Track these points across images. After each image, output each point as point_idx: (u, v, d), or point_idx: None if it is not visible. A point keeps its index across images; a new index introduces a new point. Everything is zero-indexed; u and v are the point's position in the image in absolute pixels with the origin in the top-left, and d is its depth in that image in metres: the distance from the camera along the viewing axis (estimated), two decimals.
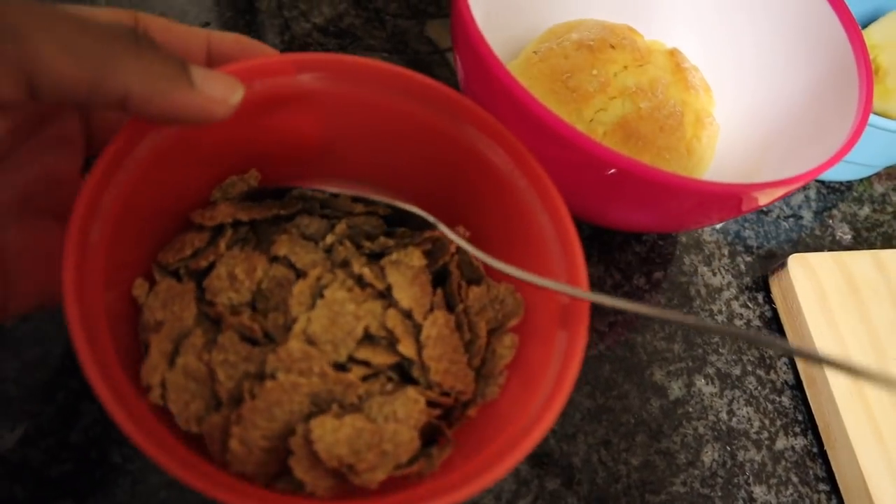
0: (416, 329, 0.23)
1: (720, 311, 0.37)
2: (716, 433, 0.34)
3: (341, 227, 0.26)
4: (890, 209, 0.44)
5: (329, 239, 0.25)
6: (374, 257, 0.26)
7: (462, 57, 0.31)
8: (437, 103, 0.25)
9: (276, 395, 0.20)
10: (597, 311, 0.35)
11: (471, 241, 0.27)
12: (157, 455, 0.16)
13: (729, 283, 0.38)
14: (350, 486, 0.20)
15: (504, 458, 0.19)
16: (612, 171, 0.27)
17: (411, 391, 0.21)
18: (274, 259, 0.24)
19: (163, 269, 0.23)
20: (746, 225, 0.41)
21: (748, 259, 0.40)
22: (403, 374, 0.23)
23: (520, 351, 0.24)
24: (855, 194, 0.44)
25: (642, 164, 0.27)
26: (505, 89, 0.27)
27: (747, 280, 0.39)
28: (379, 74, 0.25)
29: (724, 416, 0.34)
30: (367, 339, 0.22)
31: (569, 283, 0.22)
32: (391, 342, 0.22)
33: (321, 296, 0.22)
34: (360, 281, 0.24)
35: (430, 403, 0.22)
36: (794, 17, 0.36)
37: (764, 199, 0.30)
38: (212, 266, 0.23)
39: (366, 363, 0.22)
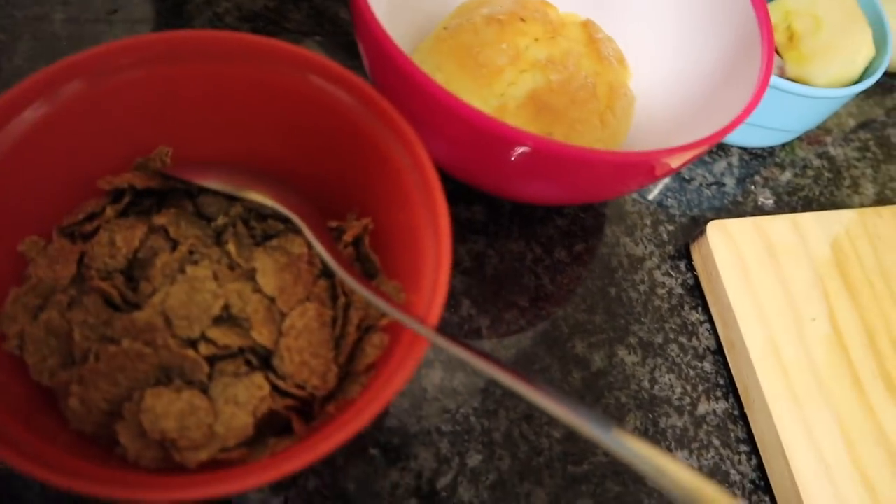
0: (281, 317, 0.23)
1: (642, 281, 0.38)
2: (638, 402, 0.34)
3: (237, 208, 0.26)
4: (811, 173, 0.45)
5: (221, 220, 0.26)
6: (266, 240, 0.25)
7: (363, 44, 0.31)
8: (307, 69, 0.25)
9: (119, 361, 0.20)
10: (519, 287, 0.35)
11: (370, 230, 0.27)
12: None
13: (651, 253, 0.39)
14: (175, 462, 0.20)
15: (315, 447, 0.18)
16: (520, 150, 0.27)
17: (258, 377, 0.21)
18: (153, 230, 0.24)
19: (60, 231, 0.24)
20: (669, 194, 0.41)
21: (671, 228, 0.40)
22: (266, 360, 0.23)
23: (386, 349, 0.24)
24: (777, 160, 0.45)
25: (547, 141, 0.26)
26: (406, 76, 0.27)
27: (669, 249, 0.39)
28: (221, 44, 0.24)
29: (646, 384, 0.35)
30: (229, 319, 0.22)
31: (435, 262, 0.22)
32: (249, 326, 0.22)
33: (182, 271, 0.22)
34: (232, 261, 0.23)
35: (284, 394, 0.22)
36: None
37: (667, 166, 0.30)
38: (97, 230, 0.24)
39: (215, 342, 0.21)
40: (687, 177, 0.42)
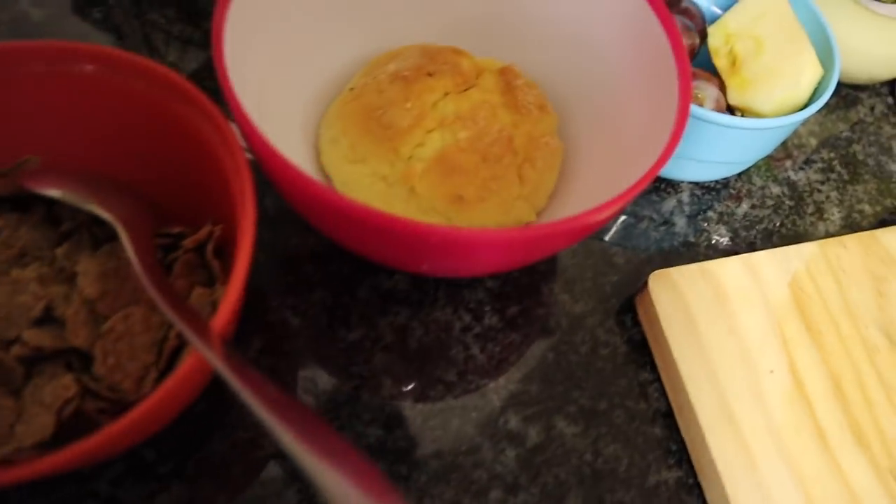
0: (103, 320, 0.23)
1: (583, 342, 0.35)
2: (579, 477, 0.32)
3: (83, 214, 0.28)
4: (770, 203, 0.42)
5: (66, 225, 0.27)
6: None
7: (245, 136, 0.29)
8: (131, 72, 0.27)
9: None
10: (445, 361, 0.33)
11: (216, 237, 0.29)
12: None
13: (593, 309, 0.36)
14: None
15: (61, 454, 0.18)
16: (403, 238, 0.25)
17: (66, 378, 0.22)
18: None
19: None
20: (612, 241, 0.38)
21: (614, 279, 0.37)
22: (88, 363, 0.23)
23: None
24: (732, 191, 0.42)
25: (425, 228, 0.24)
26: (290, 179, 0.25)
27: (613, 303, 0.36)
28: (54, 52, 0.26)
29: (588, 457, 0.32)
30: (50, 321, 0.23)
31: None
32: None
33: (6, 273, 0.23)
34: (61, 265, 0.25)
35: (96, 396, 0.22)
36: (621, 25, 0.34)
37: (578, 232, 0.27)
38: None
39: (28, 344, 0.22)
40: (632, 219, 0.40)
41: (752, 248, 0.40)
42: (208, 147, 0.28)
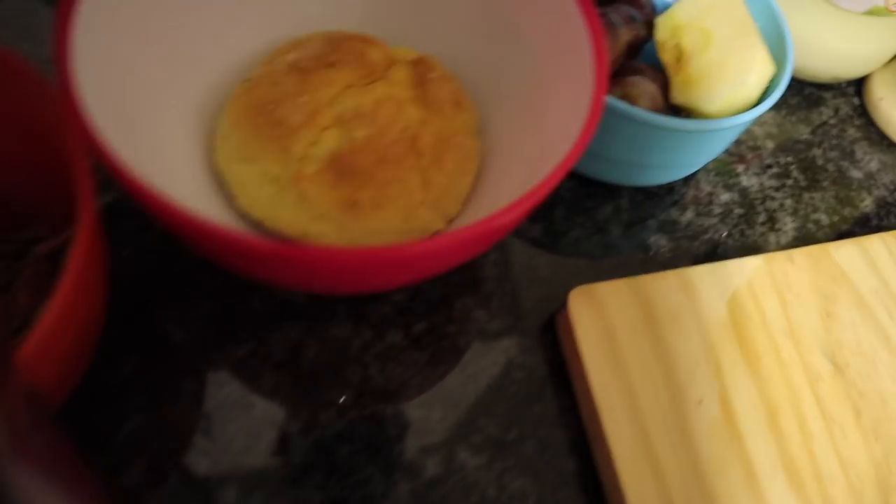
0: None
1: (495, 364, 0.32)
2: None
3: None
4: (717, 211, 0.38)
5: None
6: None
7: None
8: None
9: None
10: (340, 382, 0.30)
11: None
12: None
13: (510, 327, 0.33)
14: None
15: None
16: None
17: None
18: None
19: None
20: (538, 250, 0.35)
21: (536, 294, 0.34)
22: None
23: None
24: (676, 198, 0.38)
25: (285, 248, 0.21)
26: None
27: (533, 320, 0.33)
28: None
29: (491, 492, 0.29)
30: None
31: None
32: None
33: None
34: None
35: None
36: (546, 14, 0.30)
37: (470, 248, 0.24)
38: None
39: None
40: (563, 226, 0.36)
41: (693, 260, 0.37)
42: (53, 137, 0.25)
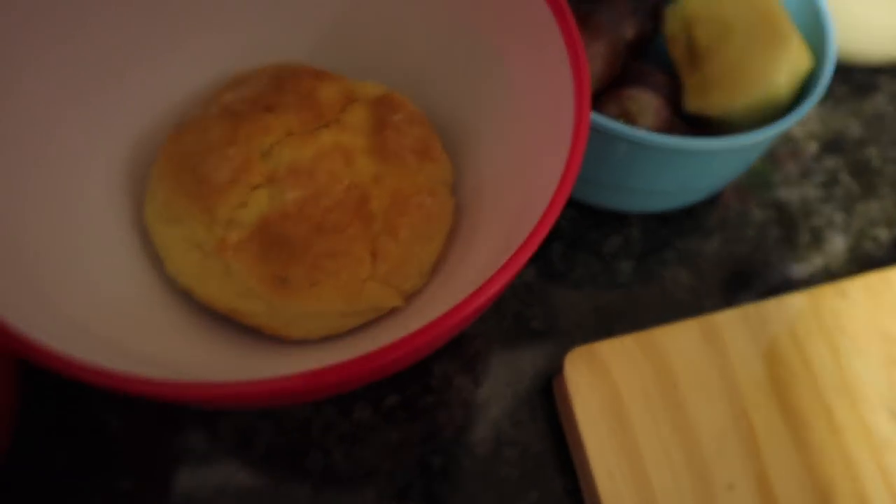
0: None
1: (484, 441, 0.27)
2: None
3: None
4: (750, 234, 0.32)
5: None
6: None
7: None
8: None
9: None
10: (300, 471, 0.26)
11: None
12: None
13: (500, 395, 0.28)
14: None
15: None
16: None
17: None
18: None
19: None
20: (532, 299, 0.30)
21: (531, 354, 0.29)
22: None
23: None
24: (697, 221, 0.32)
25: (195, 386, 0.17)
26: None
27: (527, 386, 0.28)
28: None
29: None
30: None
31: None
32: None
33: None
34: None
35: None
36: (529, 44, 0.25)
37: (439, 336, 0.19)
38: None
39: None
40: (561, 266, 0.31)
41: (721, 300, 0.31)
42: None
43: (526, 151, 0.25)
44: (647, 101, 0.27)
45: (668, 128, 0.28)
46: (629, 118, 0.27)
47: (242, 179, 0.24)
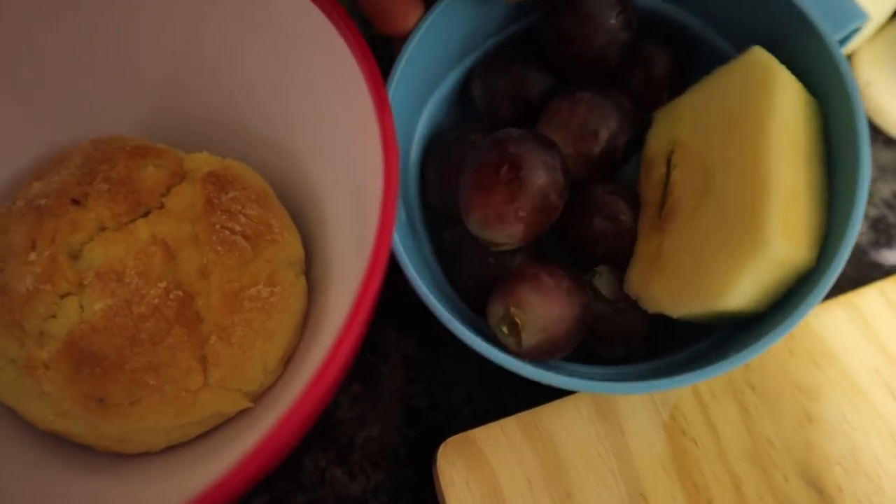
0: None
1: None
2: None
3: None
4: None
5: None
6: None
7: None
8: None
9: None
10: None
11: None
12: None
13: (378, 488, 0.25)
14: None
15: None
16: None
17: None
18: None
19: None
20: (414, 374, 0.27)
21: (412, 436, 0.26)
22: None
23: None
24: None
25: None
26: None
27: (409, 476, 0.26)
28: None
29: None
30: None
31: None
32: None
33: None
34: None
35: None
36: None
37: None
38: None
39: None
40: (445, 332, 0.28)
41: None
42: None
43: (364, 228, 0.22)
44: (540, 313, 0.22)
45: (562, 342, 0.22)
46: (512, 328, 0.22)
47: (48, 288, 0.22)
